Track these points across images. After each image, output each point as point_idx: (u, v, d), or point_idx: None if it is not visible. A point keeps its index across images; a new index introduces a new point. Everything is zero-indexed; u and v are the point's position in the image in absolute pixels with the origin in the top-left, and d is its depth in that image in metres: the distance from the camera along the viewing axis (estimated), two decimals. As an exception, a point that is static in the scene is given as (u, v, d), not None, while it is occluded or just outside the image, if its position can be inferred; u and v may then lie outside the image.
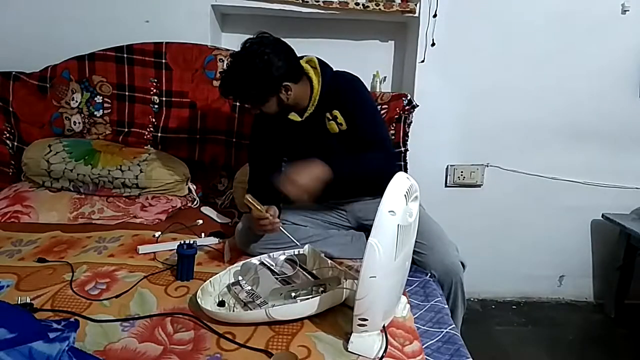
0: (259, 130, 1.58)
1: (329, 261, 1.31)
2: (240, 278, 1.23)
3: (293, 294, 1.14)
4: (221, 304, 1.14)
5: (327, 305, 1.10)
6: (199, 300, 1.10)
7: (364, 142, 1.42)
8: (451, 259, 1.42)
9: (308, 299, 1.11)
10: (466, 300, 1.50)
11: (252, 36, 1.40)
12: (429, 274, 1.40)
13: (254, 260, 1.30)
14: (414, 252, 1.41)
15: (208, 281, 1.17)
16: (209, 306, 1.10)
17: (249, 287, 1.19)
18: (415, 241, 1.41)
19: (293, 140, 1.54)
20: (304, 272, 1.25)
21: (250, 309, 1.10)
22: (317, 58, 1.50)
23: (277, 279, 1.22)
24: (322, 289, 1.18)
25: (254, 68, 1.34)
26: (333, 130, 1.48)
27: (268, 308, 1.05)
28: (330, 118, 1.48)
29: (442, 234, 1.48)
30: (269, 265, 1.30)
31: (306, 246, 1.38)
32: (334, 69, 1.53)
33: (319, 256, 1.34)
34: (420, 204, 1.61)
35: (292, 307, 1.07)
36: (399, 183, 0.97)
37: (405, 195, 0.95)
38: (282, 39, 1.42)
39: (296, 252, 1.36)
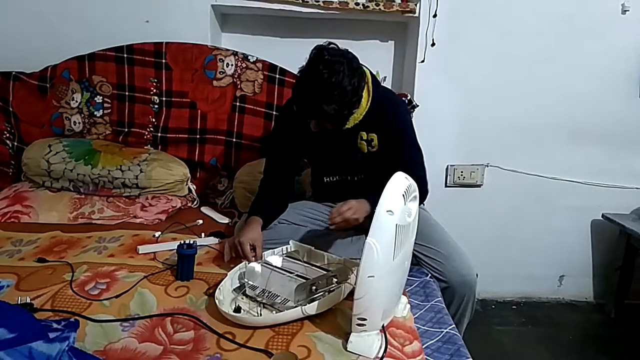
0: (284, 127, 1.55)
1: (322, 252, 1.34)
2: (246, 280, 1.23)
3: (314, 288, 1.16)
4: (237, 310, 1.13)
5: (350, 289, 1.16)
6: (222, 308, 1.08)
7: (397, 163, 1.30)
8: (467, 269, 1.40)
9: (327, 290, 1.15)
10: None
11: (322, 44, 1.31)
12: (444, 284, 1.39)
13: (255, 264, 1.28)
14: (430, 259, 1.42)
15: (218, 288, 1.15)
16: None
17: (261, 290, 1.20)
18: (431, 248, 1.42)
19: (318, 144, 1.52)
20: (312, 266, 1.27)
21: (279, 310, 1.11)
22: (371, 73, 1.46)
23: (290, 277, 1.21)
24: (335, 279, 1.20)
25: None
26: (362, 149, 1.49)
27: (302, 305, 1.07)
28: (364, 138, 1.47)
29: (457, 245, 1.46)
30: (271, 265, 1.30)
31: (290, 242, 1.41)
32: (382, 86, 1.50)
33: (308, 249, 1.38)
34: (427, 210, 1.63)
35: (324, 300, 1.10)
36: (397, 183, 0.96)
37: (403, 195, 0.95)
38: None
39: (284, 250, 1.39)
